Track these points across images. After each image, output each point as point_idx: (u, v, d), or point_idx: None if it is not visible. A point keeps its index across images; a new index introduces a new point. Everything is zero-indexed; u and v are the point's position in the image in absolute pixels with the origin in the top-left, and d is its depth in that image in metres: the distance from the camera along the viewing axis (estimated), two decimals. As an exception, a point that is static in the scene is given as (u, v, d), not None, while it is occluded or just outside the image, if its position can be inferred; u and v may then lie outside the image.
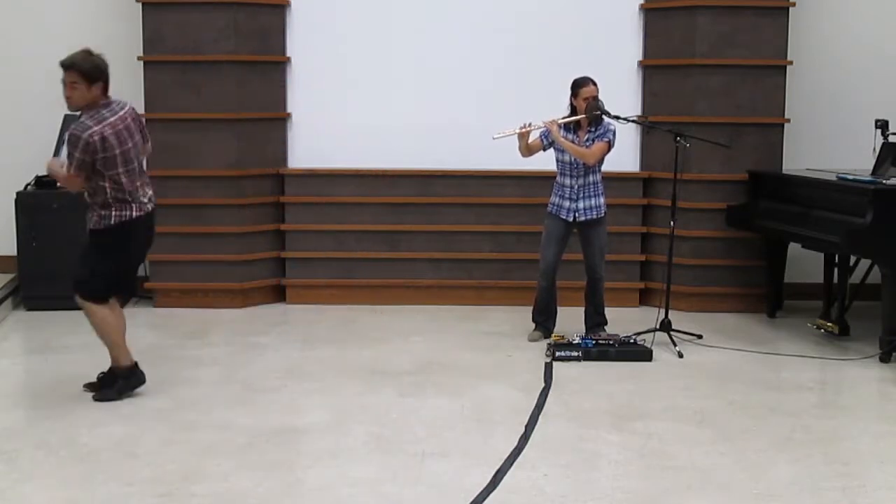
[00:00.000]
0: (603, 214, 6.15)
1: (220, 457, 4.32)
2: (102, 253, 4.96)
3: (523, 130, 6.04)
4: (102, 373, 5.18)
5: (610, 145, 6.08)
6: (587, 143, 6.06)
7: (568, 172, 6.12)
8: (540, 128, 6.08)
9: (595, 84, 6.04)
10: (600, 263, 6.22)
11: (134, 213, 4.96)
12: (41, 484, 4.06)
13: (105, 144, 4.81)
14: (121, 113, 4.94)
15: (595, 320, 6.27)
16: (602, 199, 6.14)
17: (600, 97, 6.05)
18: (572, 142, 6.05)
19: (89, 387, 5.09)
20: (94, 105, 4.87)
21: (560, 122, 6.05)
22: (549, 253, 6.21)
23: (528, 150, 6.14)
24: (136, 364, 5.09)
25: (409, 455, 4.36)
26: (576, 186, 6.10)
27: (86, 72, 4.83)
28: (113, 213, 4.90)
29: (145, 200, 5.03)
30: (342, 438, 4.57)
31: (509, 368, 5.74)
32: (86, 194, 4.96)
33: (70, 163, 4.82)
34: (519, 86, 7.25)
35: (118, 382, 5.04)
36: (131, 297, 5.43)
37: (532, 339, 6.26)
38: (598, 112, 6.01)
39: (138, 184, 4.99)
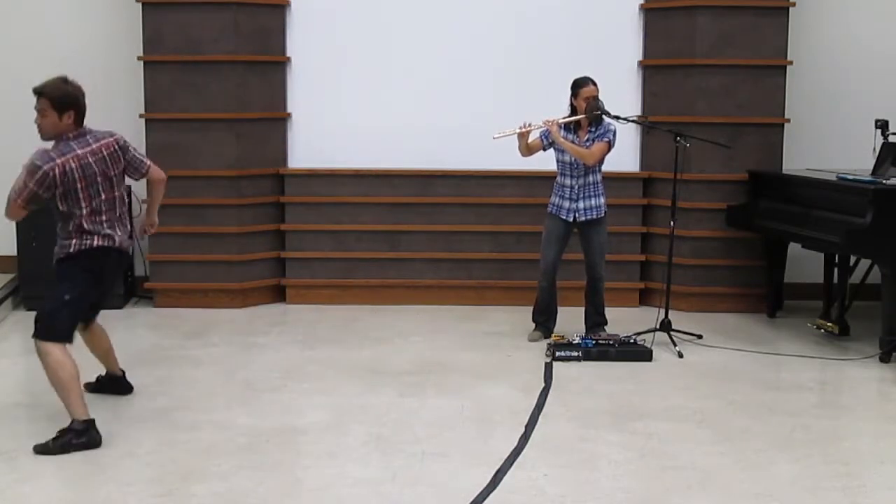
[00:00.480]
0: (603, 214, 6.15)
1: (220, 457, 4.32)
2: (63, 282, 4.57)
3: (523, 130, 6.04)
4: (100, 375, 5.17)
5: (610, 145, 6.08)
6: (587, 144, 6.06)
7: (568, 173, 6.12)
8: (540, 128, 6.08)
9: (595, 84, 6.04)
10: (600, 263, 6.22)
11: (96, 243, 4.58)
12: (41, 484, 4.06)
13: (65, 178, 4.47)
14: (94, 145, 4.59)
15: (595, 320, 6.27)
16: (602, 200, 6.14)
17: (600, 97, 6.05)
18: (572, 142, 6.05)
19: (87, 387, 5.07)
20: (63, 136, 4.56)
21: (560, 122, 6.05)
22: (550, 253, 6.21)
23: (527, 150, 6.14)
24: (93, 421, 4.47)
25: (409, 455, 4.36)
26: (576, 187, 6.10)
27: (55, 100, 4.53)
28: (73, 241, 4.56)
29: (114, 234, 4.65)
30: (342, 438, 4.56)
31: (509, 368, 5.74)
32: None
33: (19, 191, 4.48)
34: (519, 86, 7.25)
35: (67, 435, 4.40)
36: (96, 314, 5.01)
37: (532, 339, 6.26)
38: (599, 112, 6.01)
39: (104, 219, 4.61)
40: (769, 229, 6.74)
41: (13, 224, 7.01)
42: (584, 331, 6.21)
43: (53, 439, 4.40)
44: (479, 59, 7.32)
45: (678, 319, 6.37)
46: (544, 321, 6.33)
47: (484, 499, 3.91)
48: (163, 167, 7.02)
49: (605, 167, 6.22)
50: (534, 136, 6.13)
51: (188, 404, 5.03)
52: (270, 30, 7.27)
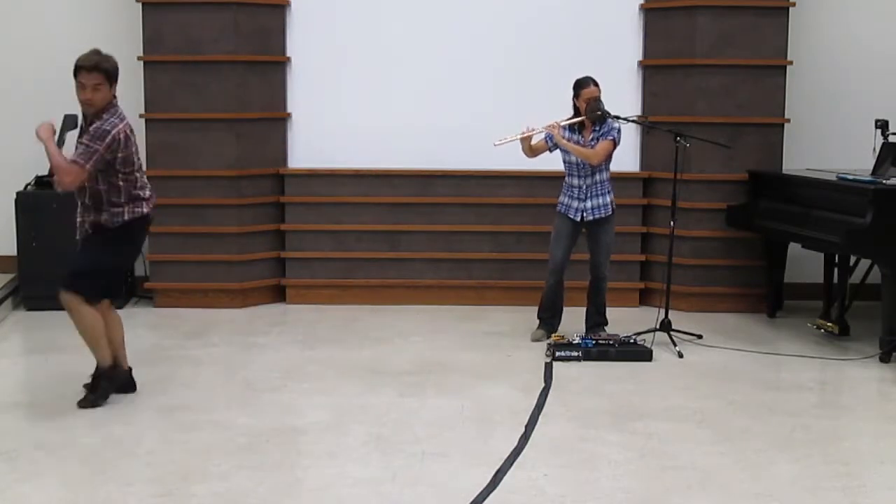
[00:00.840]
0: (611, 213, 6.14)
1: (220, 457, 4.32)
2: (111, 249, 4.91)
3: (524, 135, 6.03)
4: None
5: (615, 143, 6.07)
6: (592, 143, 6.06)
7: (575, 173, 6.12)
8: (541, 132, 6.07)
9: (596, 84, 6.03)
10: (605, 263, 6.20)
11: (145, 209, 4.94)
12: (41, 484, 4.06)
13: (127, 142, 4.80)
14: (123, 112, 4.92)
15: (595, 320, 6.27)
16: (609, 198, 6.13)
17: (601, 97, 6.05)
18: (577, 142, 6.06)
19: (88, 387, 5.08)
20: (111, 105, 4.83)
21: (562, 123, 6.05)
22: (559, 251, 6.20)
23: (532, 152, 6.16)
24: (115, 363, 5.02)
25: (409, 455, 4.36)
26: (583, 186, 6.10)
27: (108, 72, 4.79)
28: (126, 209, 4.87)
29: (148, 196, 5.02)
30: (342, 438, 4.56)
31: (509, 368, 5.74)
32: (87, 194, 4.87)
33: (87, 157, 4.68)
34: (519, 86, 7.25)
35: (102, 383, 4.97)
36: (118, 298, 5.35)
37: (535, 339, 6.25)
38: (599, 113, 6.00)
39: (144, 180, 5.00)
40: (769, 229, 6.74)
41: (13, 224, 7.03)
42: (585, 330, 6.21)
43: (92, 392, 4.90)
44: (479, 58, 7.32)
45: (678, 319, 6.37)
46: (549, 318, 6.31)
47: (484, 499, 3.91)
48: (163, 167, 7.12)
49: (605, 167, 6.23)
50: (538, 138, 6.13)
51: (188, 404, 5.03)
52: (270, 30, 7.26)
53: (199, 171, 7.16)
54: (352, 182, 7.35)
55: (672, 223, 6.21)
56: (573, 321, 6.33)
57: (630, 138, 7.26)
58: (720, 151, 6.78)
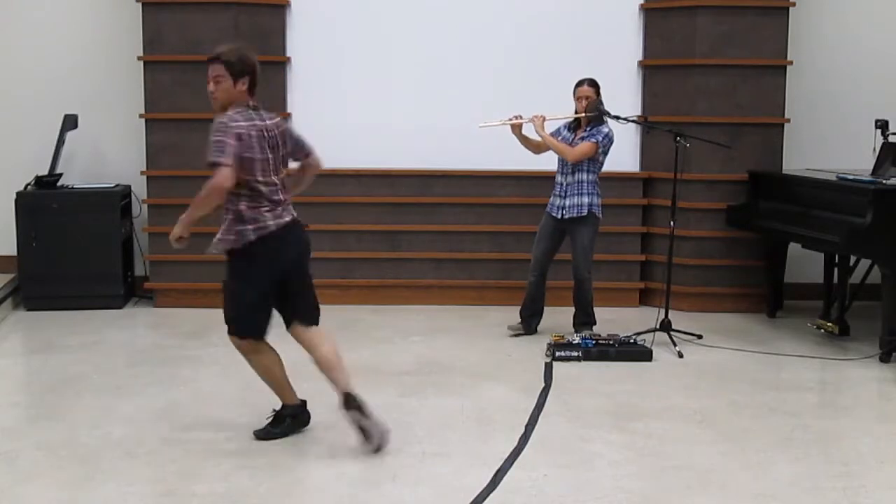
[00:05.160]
0: (586, 213, 6.11)
1: (220, 457, 4.32)
2: (241, 277, 4.58)
3: (511, 122, 6.06)
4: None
5: (597, 146, 6.05)
6: (577, 143, 6.08)
7: (559, 170, 6.20)
8: (527, 121, 6.09)
9: (591, 84, 6.05)
10: (582, 263, 6.19)
11: (270, 224, 4.53)
12: (41, 484, 4.06)
13: (250, 143, 4.41)
14: (269, 122, 4.51)
15: (580, 319, 6.29)
16: (587, 199, 6.10)
17: (602, 98, 6.05)
18: (566, 140, 6.09)
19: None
20: (241, 104, 4.46)
21: (549, 119, 6.06)
22: (538, 249, 6.27)
23: (535, 149, 6.21)
24: (304, 403, 4.72)
25: (409, 455, 4.36)
26: (564, 184, 6.14)
27: (231, 64, 4.44)
28: (249, 227, 4.52)
29: (284, 214, 4.59)
30: (342, 438, 4.56)
31: (509, 368, 5.74)
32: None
33: (220, 152, 4.39)
34: (519, 86, 7.24)
35: (286, 422, 4.63)
36: (305, 317, 4.87)
37: (511, 330, 6.34)
38: (598, 112, 6.00)
39: (279, 198, 4.56)
40: (769, 229, 6.73)
41: (13, 224, 7.03)
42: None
43: (274, 427, 4.61)
44: (478, 59, 7.32)
45: (678, 319, 6.37)
46: (527, 317, 6.34)
47: (484, 499, 3.91)
48: (163, 167, 7.12)
49: (605, 167, 6.22)
50: (526, 128, 6.14)
51: (188, 404, 5.03)
52: (270, 30, 7.26)
53: (199, 171, 7.07)
54: (352, 182, 7.35)
55: (672, 223, 6.21)
56: (569, 321, 6.34)
57: (630, 138, 7.27)
58: (720, 151, 6.79)
